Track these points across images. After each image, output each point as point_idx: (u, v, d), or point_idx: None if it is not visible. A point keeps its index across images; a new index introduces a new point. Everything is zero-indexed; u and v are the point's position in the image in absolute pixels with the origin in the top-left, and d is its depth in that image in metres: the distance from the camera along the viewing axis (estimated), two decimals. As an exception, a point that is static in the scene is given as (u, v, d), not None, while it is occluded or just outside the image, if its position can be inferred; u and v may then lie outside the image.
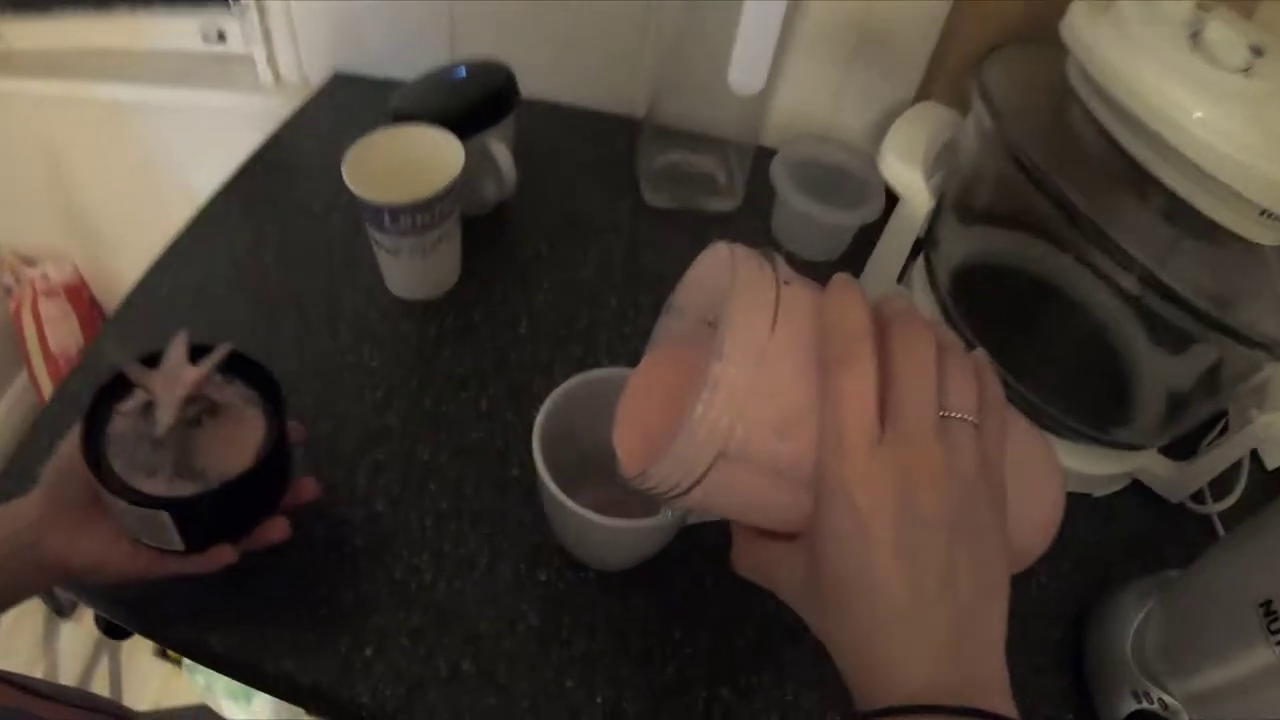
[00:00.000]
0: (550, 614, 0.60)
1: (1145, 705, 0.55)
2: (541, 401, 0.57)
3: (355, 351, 0.72)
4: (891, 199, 0.76)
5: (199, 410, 0.50)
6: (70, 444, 0.49)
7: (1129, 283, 0.56)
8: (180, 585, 0.54)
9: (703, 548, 0.63)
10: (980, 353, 0.38)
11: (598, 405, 0.58)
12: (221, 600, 0.57)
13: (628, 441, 0.44)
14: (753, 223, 0.89)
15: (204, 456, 0.49)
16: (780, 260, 0.39)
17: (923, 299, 0.74)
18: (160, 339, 0.68)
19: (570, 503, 0.52)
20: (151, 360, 0.51)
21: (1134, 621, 0.59)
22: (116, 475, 0.47)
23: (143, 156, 1.22)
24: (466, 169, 0.70)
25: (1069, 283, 0.66)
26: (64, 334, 1.49)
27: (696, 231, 0.87)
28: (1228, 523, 0.70)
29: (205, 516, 0.50)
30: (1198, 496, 0.71)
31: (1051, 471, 0.40)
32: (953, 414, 0.33)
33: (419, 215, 0.69)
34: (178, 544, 0.49)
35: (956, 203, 0.70)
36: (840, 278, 0.36)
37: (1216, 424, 0.74)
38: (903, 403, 0.33)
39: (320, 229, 0.81)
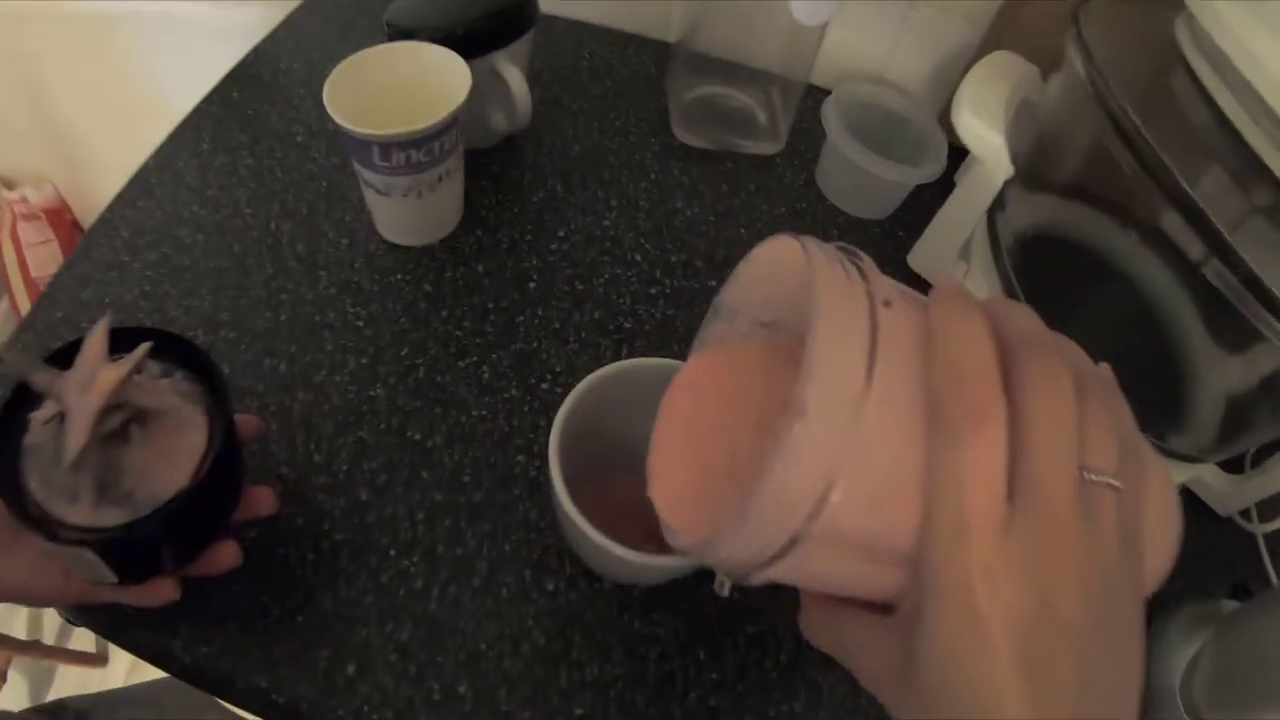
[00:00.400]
0: (559, 631, 0.52)
1: None
2: (553, 373, 0.49)
3: (337, 306, 0.63)
4: (953, 159, 0.70)
5: (123, 420, 0.40)
6: None
7: (1200, 253, 0.50)
8: None
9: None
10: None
11: (624, 399, 0.50)
12: (185, 601, 0.49)
13: (669, 488, 0.36)
14: (795, 171, 0.79)
15: (133, 475, 0.40)
16: (870, 264, 0.31)
17: (984, 273, 0.67)
18: (117, 289, 0.59)
19: (600, 537, 0.44)
20: (68, 355, 0.40)
21: (1184, 654, 0.56)
22: (33, 500, 0.39)
23: (123, 75, 1.15)
24: (473, 95, 0.60)
25: (1133, 266, 0.60)
26: (45, 258, 1.46)
27: (733, 177, 0.77)
28: (1272, 545, 0.66)
29: (137, 549, 0.41)
30: (1245, 513, 0.67)
31: (1170, 508, 0.34)
32: (1092, 475, 0.27)
33: (415, 151, 0.58)
34: (109, 578, 0.42)
35: (1026, 168, 0.63)
36: (949, 289, 0.30)
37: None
38: (1038, 472, 0.26)
39: (302, 160, 0.71)
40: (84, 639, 1.45)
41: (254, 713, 0.50)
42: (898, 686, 0.29)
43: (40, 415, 0.40)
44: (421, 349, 0.61)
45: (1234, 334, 0.57)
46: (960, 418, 0.26)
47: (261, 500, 0.48)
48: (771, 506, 0.26)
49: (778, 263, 0.34)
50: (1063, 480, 0.26)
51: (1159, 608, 0.60)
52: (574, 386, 0.48)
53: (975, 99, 0.62)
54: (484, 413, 0.59)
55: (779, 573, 0.29)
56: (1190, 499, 0.67)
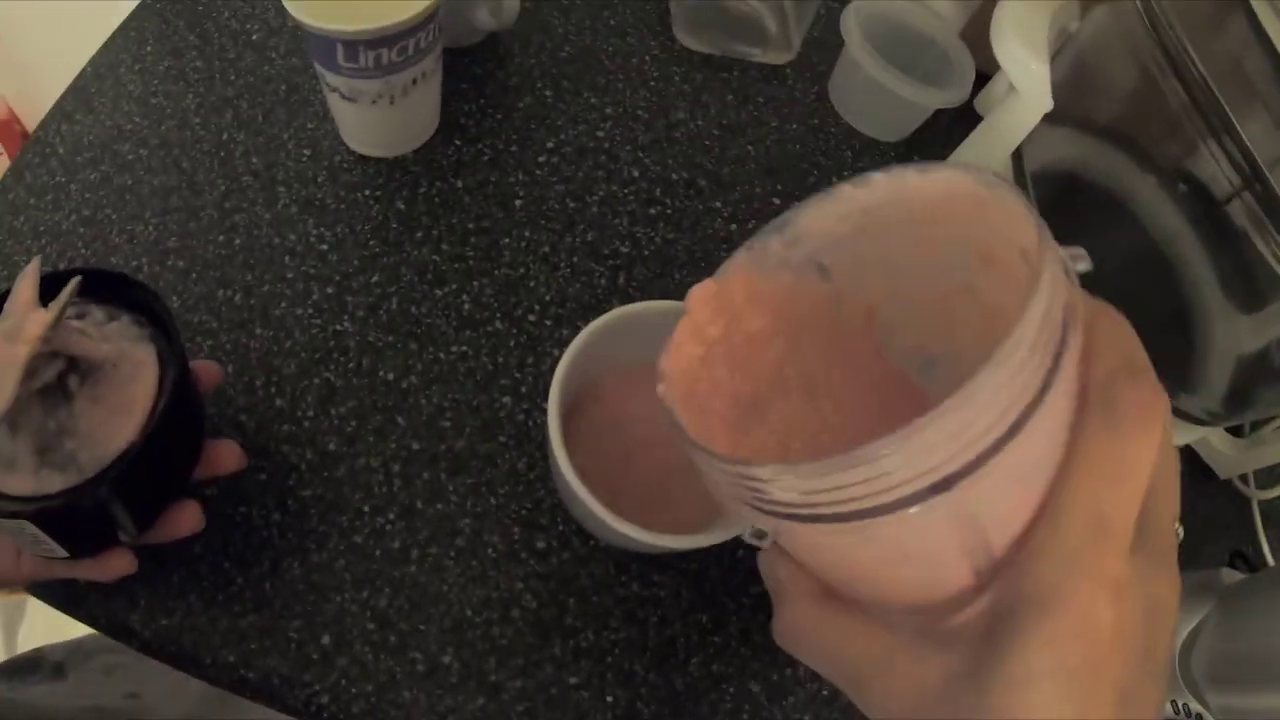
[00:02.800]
0: (552, 596, 0.48)
1: (1180, 718, 0.52)
2: (542, 303, 0.43)
3: (299, 228, 0.56)
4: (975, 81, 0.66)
5: (57, 371, 0.35)
6: None
7: (1234, 186, 0.50)
8: None
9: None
10: None
11: (627, 345, 0.44)
12: (141, 570, 0.44)
13: (687, 401, 0.32)
14: (807, 85, 0.71)
15: (76, 435, 0.35)
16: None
17: None
18: (53, 215, 0.54)
19: (605, 512, 0.38)
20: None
21: (1183, 627, 0.54)
22: None
23: None
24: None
25: (1154, 214, 0.59)
26: None
27: (740, 88, 0.69)
28: (1265, 511, 0.65)
29: (83, 518, 0.36)
30: (1243, 477, 0.67)
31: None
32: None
33: (386, 50, 0.51)
34: (59, 551, 0.37)
35: (1058, 100, 0.59)
36: (1106, 307, 0.28)
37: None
38: (1156, 507, 0.26)
39: (258, 61, 0.63)
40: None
41: (224, 688, 0.46)
42: (934, 709, 0.25)
43: None
44: (394, 276, 0.55)
45: (1250, 291, 0.56)
46: (1133, 412, 0.24)
47: (225, 456, 0.43)
48: (941, 437, 0.22)
49: (915, 203, 0.29)
50: (1173, 519, 0.26)
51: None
52: (565, 318, 0.42)
53: (1019, 23, 0.55)
54: (465, 349, 0.53)
55: (852, 534, 0.24)
56: (1191, 460, 0.65)
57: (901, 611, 0.28)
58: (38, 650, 0.69)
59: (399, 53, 0.51)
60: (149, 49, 0.63)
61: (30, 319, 0.34)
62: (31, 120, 1.41)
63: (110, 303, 0.38)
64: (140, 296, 0.39)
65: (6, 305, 0.35)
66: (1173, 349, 0.60)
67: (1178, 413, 0.60)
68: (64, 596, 0.45)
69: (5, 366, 0.33)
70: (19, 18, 1.18)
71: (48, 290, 0.35)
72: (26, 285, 0.35)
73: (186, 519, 0.40)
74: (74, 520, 0.36)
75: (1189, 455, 0.64)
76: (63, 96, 0.60)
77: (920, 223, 0.29)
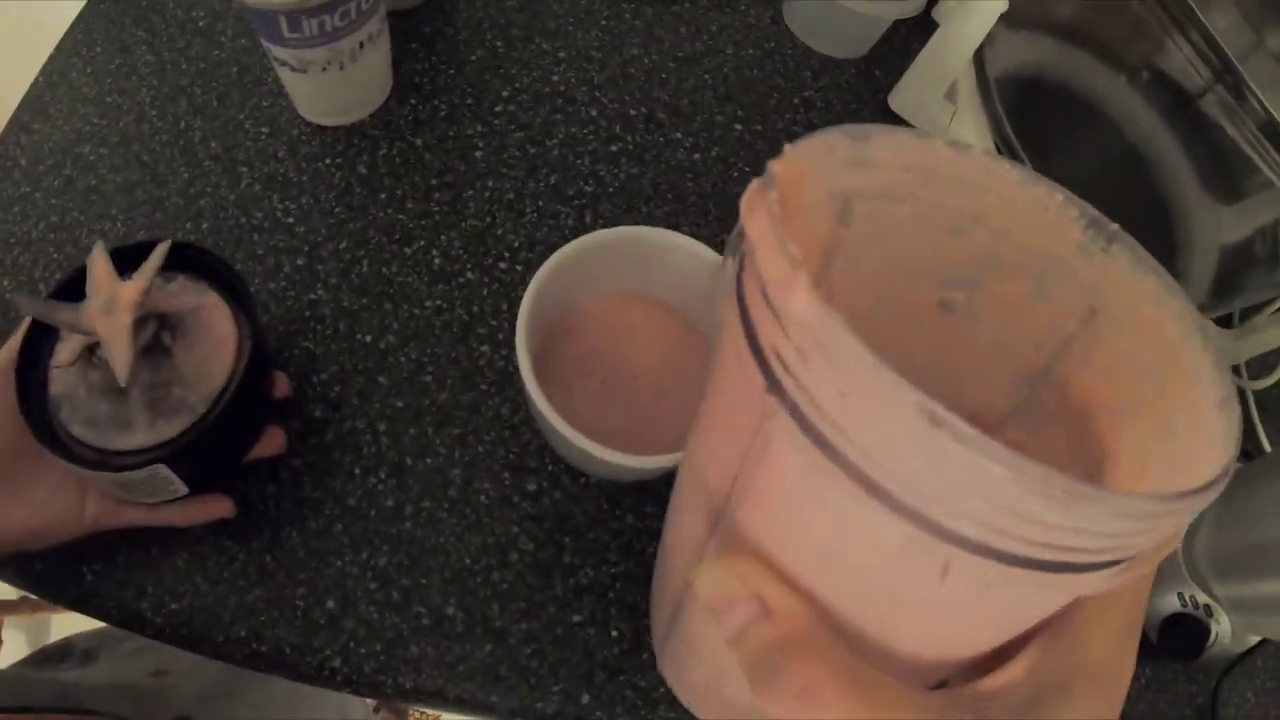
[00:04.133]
0: (548, 536, 0.48)
1: (1189, 610, 0.53)
2: (511, 250, 0.43)
3: (264, 205, 0.56)
4: None
5: (153, 330, 0.39)
6: None
7: (1204, 80, 0.49)
8: (96, 541, 0.43)
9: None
10: None
11: (593, 273, 0.44)
12: (145, 557, 0.46)
13: None
14: (760, 9, 0.70)
15: (180, 383, 0.40)
16: None
17: (972, 115, 0.63)
18: (23, 225, 0.54)
19: (587, 442, 0.38)
20: (70, 290, 0.39)
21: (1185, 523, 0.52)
22: (84, 443, 0.38)
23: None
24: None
25: (1127, 111, 0.58)
26: None
27: (692, 19, 0.68)
28: (1261, 401, 0.65)
29: (205, 450, 0.40)
30: (1235, 369, 0.66)
31: None
32: None
33: (328, 16, 0.50)
34: (182, 489, 0.41)
35: (1019, 2, 0.58)
36: None
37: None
38: None
39: (208, 47, 0.62)
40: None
41: (239, 664, 0.46)
42: None
43: (62, 359, 0.39)
44: (362, 240, 0.55)
45: (1228, 183, 0.55)
46: None
47: (280, 383, 0.47)
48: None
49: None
50: None
51: None
52: (535, 262, 0.42)
53: None
54: (439, 303, 0.53)
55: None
56: None
57: (919, 667, 0.22)
58: (67, 639, 0.70)
59: (341, 17, 0.51)
60: (98, 49, 0.63)
61: (124, 290, 0.38)
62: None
63: (165, 269, 0.41)
64: (186, 256, 0.42)
65: (89, 286, 0.38)
66: (1155, 245, 0.59)
67: None
68: (74, 595, 0.45)
69: (116, 335, 0.37)
70: None
71: (119, 265, 0.39)
72: (101, 264, 0.38)
73: (273, 442, 0.45)
74: (197, 453, 0.39)
75: None
76: (18, 108, 0.60)
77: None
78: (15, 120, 0.59)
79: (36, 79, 0.61)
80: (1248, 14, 0.51)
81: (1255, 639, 0.54)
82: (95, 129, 0.59)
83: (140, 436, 0.38)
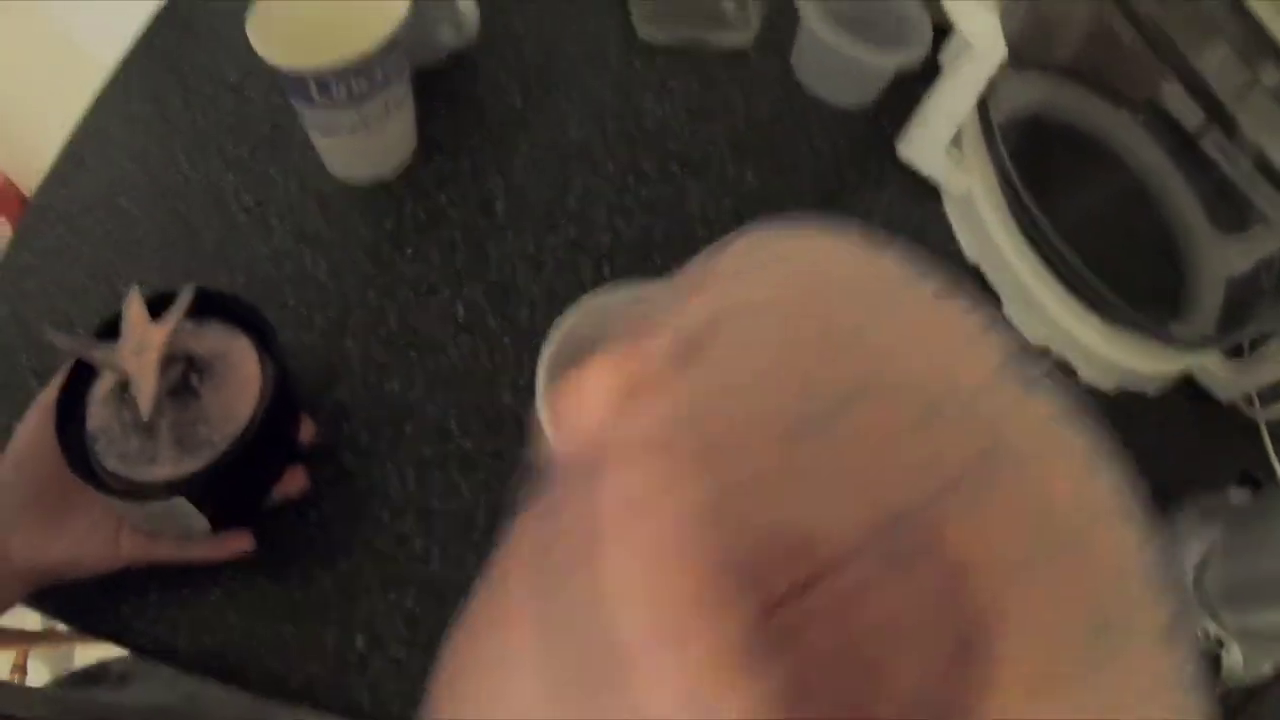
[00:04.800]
0: (569, 578, 0.50)
1: (1200, 641, 0.53)
2: (532, 301, 0.46)
3: (295, 259, 0.58)
4: (936, 39, 0.66)
5: (181, 371, 0.42)
6: (28, 432, 0.43)
7: (1198, 123, 0.51)
8: (131, 577, 0.45)
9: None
10: None
11: (611, 325, 0.46)
12: (182, 593, 0.48)
13: None
14: (770, 62, 0.73)
15: (205, 422, 0.42)
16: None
17: (978, 160, 0.64)
18: (63, 274, 0.56)
19: None
20: (109, 332, 0.43)
21: (1195, 549, 0.55)
22: (115, 475, 0.41)
23: (45, 39, 1.10)
24: (414, 12, 0.54)
25: (1131, 148, 0.60)
26: None
27: (704, 72, 0.71)
28: (1274, 431, 0.65)
29: (225, 486, 0.43)
30: (1248, 398, 0.66)
31: None
32: None
33: (355, 81, 0.53)
34: (202, 525, 0.43)
35: (1018, 47, 0.59)
36: None
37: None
38: None
39: (239, 103, 0.65)
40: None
41: (269, 698, 0.48)
42: None
43: (100, 394, 0.42)
44: (389, 293, 0.57)
45: (1232, 215, 0.56)
46: None
47: (305, 428, 0.49)
48: None
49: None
50: None
51: (1164, 503, 0.58)
52: (554, 312, 0.44)
53: None
54: (463, 352, 0.56)
55: None
56: (1192, 387, 0.65)
57: None
58: (101, 663, 0.72)
59: (367, 81, 0.54)
60: (134, 104, 0.66)
61: (153, 332, 0.41)
62: (27, 184, 1.44)
63: (199, 316, 0.45)
64: (217, 303, 0.45)
65: (123, 329, 0.41)
66: (1163, 277, 0.61)
67: (1171, 341, 0.61)
68: (112, 628, 0.48)
69: (143, 373, 0.40)
70: (3, 87, 1.21)
71: (157, 310, 0.42)
72: (136, 308, 0.42)
73: (296, 481, 0.47)
74: (217, 490, 0.42)
75: (1189, 384, 0.65)
76: (57, 161, 0.63)
77: None
78: (55, 173, 0.62)
79: (75, 132, 0.64)
80: (1240, 50, 0.52)
81: (1269, 670, 0.55)
82: (132, 181, 0.61)
83: (166, 470, 0.41)
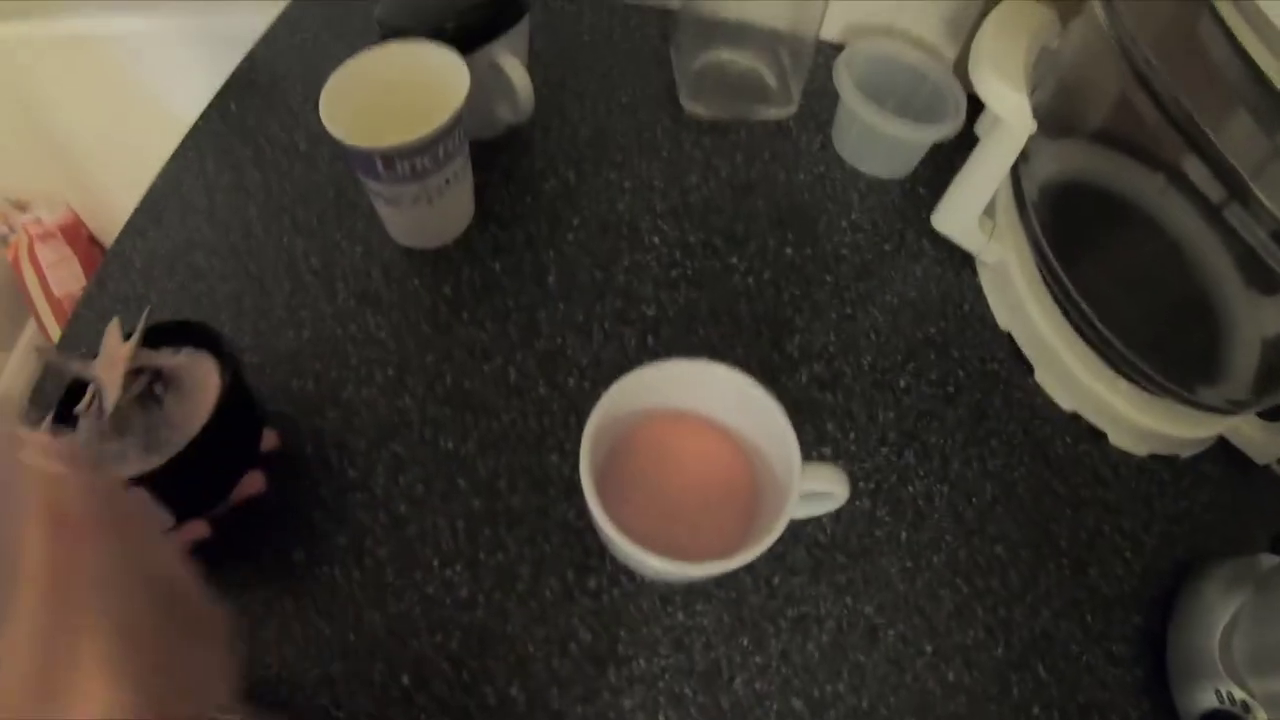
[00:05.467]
0: (604, 629, 0.53)
1: (1226, 706, 0.52)
2: (580, 368, 0.50)
3: (358, 319, 0.63)
4: (971, 109, 0.68)
5: (147, 382, 0.48)
6: None
7: (1220, 197, 0.50)
8: None
9: (776, 541, 0.56)
10: None
11: (651, 397, 0.50)
12: (239, 627, 0.51)
13: None
14: (810, 135, 0.77)
15: (169, 428, 0.48)
16: None
17: (1010, 229, 0.66)
18: (138, 322, 0.60)
19: (640, 550, 0.44)
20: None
21: (1223, 614, 0.55)
22: None
23: (121, 87, 1.15)
24: (473, 91, 0.58)
25: (1162, 214, 0.59)
26: (65, 276, 1.45)
27: (747, 146, 0.75)
28: None
29: (181, 480, 0.47)
30: None
31: None
32: None
33: (419, 159, 0.58)
34: (166, 519, 0.47)
35: (1049, 117, 0.60)
36: None
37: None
38: None
39: (308, 169, 0.70)
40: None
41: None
42: None
43: (83, 406, 0.47)
44: (446, 355, 0.61)
45: (1266, 278, 0.55)
46: None
47: (267, 438, 0.53)
48: None
49: None
50: None
51: (1194, 567, 0.59)
52: (601, 380, 0.48)
53: (994, 54, 0.59)
54: (514, 416, 0.59)
55: None
56: (1226, 449, 0.65)
57: None
58: None
59: (430, 159, 0.58)
60: (209, 164, 0.71)
61: (121, 348, 0.47)
62: (95, 223, 1.51)
63: (177, 344, 0.51)
64: (199, 334, 0.51)
65: (101, 349, 0.47)
66: (1197, 340, 0.61)
67: (1203, 407, 0.61)
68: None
69: (110, 380, 0.46)
70: (74, 127, 1.28)
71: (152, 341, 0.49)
72: (113, 331, 0.48)
73: (253, 482, 0.51)
74: (173, 483, 0.46)
75: (1223, 446, 0.66)
76: (135, 213, 0.68)
77: None
78: (132, 225, 0.67)
79: (152, 187, 0.70)
80: (1262, 120, 0.51)
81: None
82: (205, 239, 0.66)
83: (133, 468, 0.45)
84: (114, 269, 0.65)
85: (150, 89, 1.15)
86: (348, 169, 0.69)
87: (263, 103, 0.75)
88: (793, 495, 0.46)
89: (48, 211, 1.42)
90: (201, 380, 0.49)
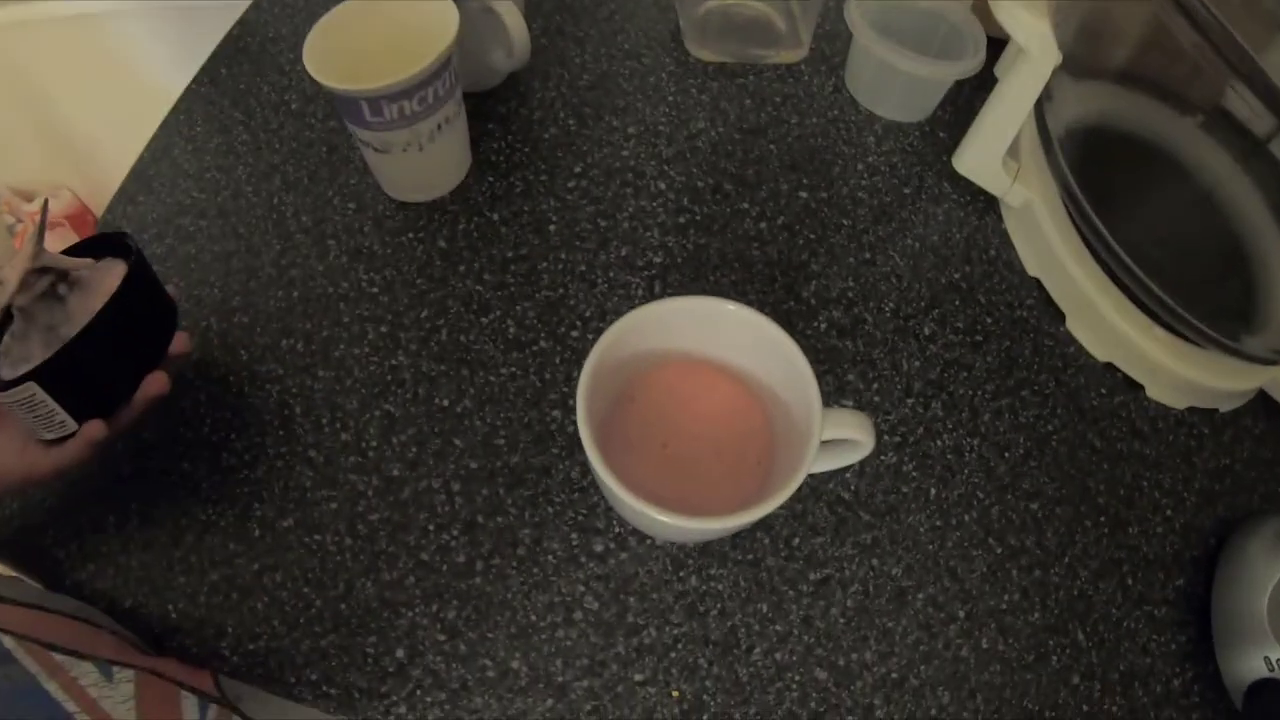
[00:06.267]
0: (612, 596, 0.49)
1: (1276, 674, 0.49)
2: (583, 319, 0.47)
3: (350, 276, 0.59)
4: (991, 53, 0.65)
5: (50, 282, 0.46)
6: None
7: (1269, 126, 0.47)
8: (178, 585, 0.48)
9: (795, 498, 0.52)
10: None
11: (657, 339, 0.46)
12: (226, 600, 0.49)
13: None
14: (823, 78, 0.73)
15: (68, 324, 0.46)
16: None
17: (1037, 170, 0.62)
18: None
19: (643, 504, 0.40)
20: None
21: (1270, 575, 0.52)
22: None
23: (119, 69, 1.13)
24: (464, 35, 0.55)
25: (1196, 155, 0.57)
26: None
27: (756, 91, 0.71)
28: None
29: (75, 375, 0.45)
30: None
31: None
32: None
33: (407, 102, 0.54)
34: (68, 422, 0.45)
35: (1074, 55, 0.57)
36: None
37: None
38: None
39: (299, 128, 0.67)
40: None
41: (309, 705, 0.48)
42: None
43: None
44: (441, 309, 0.58)
45: None
46: None
47: (178, 341, 0.50)
48: None
49: None
50: None
51: (1237, 525, 0.55)
52: (605, 331, 0.44)
53: None
54: (513, 370, 0.56)
55: None
56: (1266, 403, 0.62)
57: None
58: None
59: (419, 102, 0.55)
60: (198, 129, 0.68)
61: (24, 248, 0.45)
62: (101, 210, 1.52)
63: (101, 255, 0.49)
64: (115, 243, 0.49)
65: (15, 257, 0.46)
66: (1234, 288, 0.59)
67: (1245, 355, 0.58)
68: (159, 633, 0.48)
69: (9, 278, 0.45)
70: (75, 115, 1.27)
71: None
72: (25, 241, 0.46)
73: (154, 383, 0.47)
74: (67, 378, 0.44)
75: (1263, 400, 0.62)
76: (125, 181, 0.65)
77: None
78: (122, 193, 0.65)
79: (142, 155, 0.67)
80: None
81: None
82: (195, 202, 0.63)
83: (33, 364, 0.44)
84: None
85: (147, 67, 1.13)
86: (341, 123, 0.66)
87: (254, 66, 0.72)
88: (813, 442, 0.42)
89: (53, 200, 1.42)
90: (111, 285, 0.47)
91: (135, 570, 0.50)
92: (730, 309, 0.45)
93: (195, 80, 0.71)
